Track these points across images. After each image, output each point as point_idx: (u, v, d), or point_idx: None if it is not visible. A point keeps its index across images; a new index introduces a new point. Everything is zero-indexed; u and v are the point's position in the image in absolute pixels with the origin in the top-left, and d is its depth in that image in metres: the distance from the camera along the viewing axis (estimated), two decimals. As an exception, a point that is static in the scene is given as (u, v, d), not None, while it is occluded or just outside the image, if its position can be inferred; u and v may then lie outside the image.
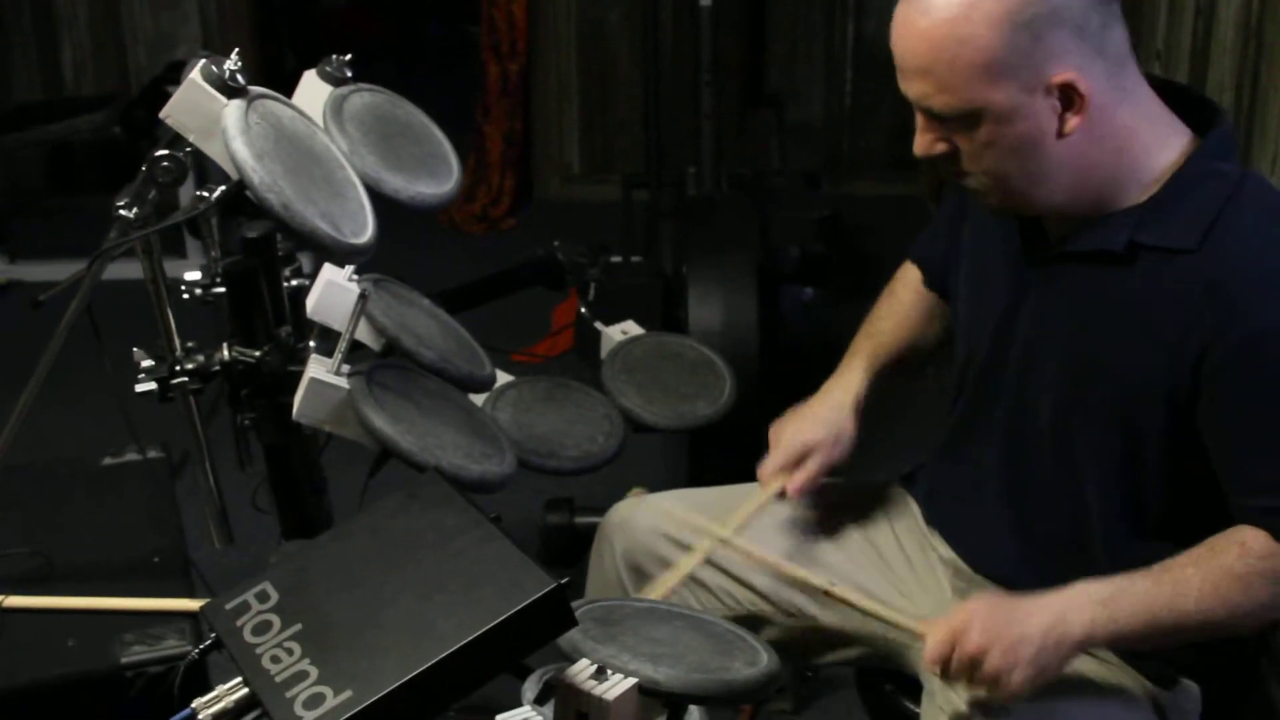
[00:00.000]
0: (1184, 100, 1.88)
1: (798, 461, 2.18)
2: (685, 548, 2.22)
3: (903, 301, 2.34)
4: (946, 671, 1.84)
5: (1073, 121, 1.74)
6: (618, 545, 2.29)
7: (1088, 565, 1.88)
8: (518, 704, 1.67)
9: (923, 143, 1.84)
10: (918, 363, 2.34)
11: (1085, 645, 1.84)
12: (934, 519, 2.21)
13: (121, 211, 2.06)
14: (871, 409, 2.21)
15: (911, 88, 1.79)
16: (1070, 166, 1.79)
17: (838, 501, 2.29)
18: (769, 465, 2.20)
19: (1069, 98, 1.73)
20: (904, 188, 6.19)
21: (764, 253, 4.31)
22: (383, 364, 2.13)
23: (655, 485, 3.81)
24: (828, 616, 2.20)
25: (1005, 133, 1.75)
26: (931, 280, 2.29)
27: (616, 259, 4.85)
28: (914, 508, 2.26)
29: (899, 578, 2.22)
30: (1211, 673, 2.00)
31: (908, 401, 2.19)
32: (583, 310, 3.76)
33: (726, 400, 2.53)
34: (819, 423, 2.20)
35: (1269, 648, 2.79)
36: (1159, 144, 1.82)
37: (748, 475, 2.22)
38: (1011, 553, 2.05)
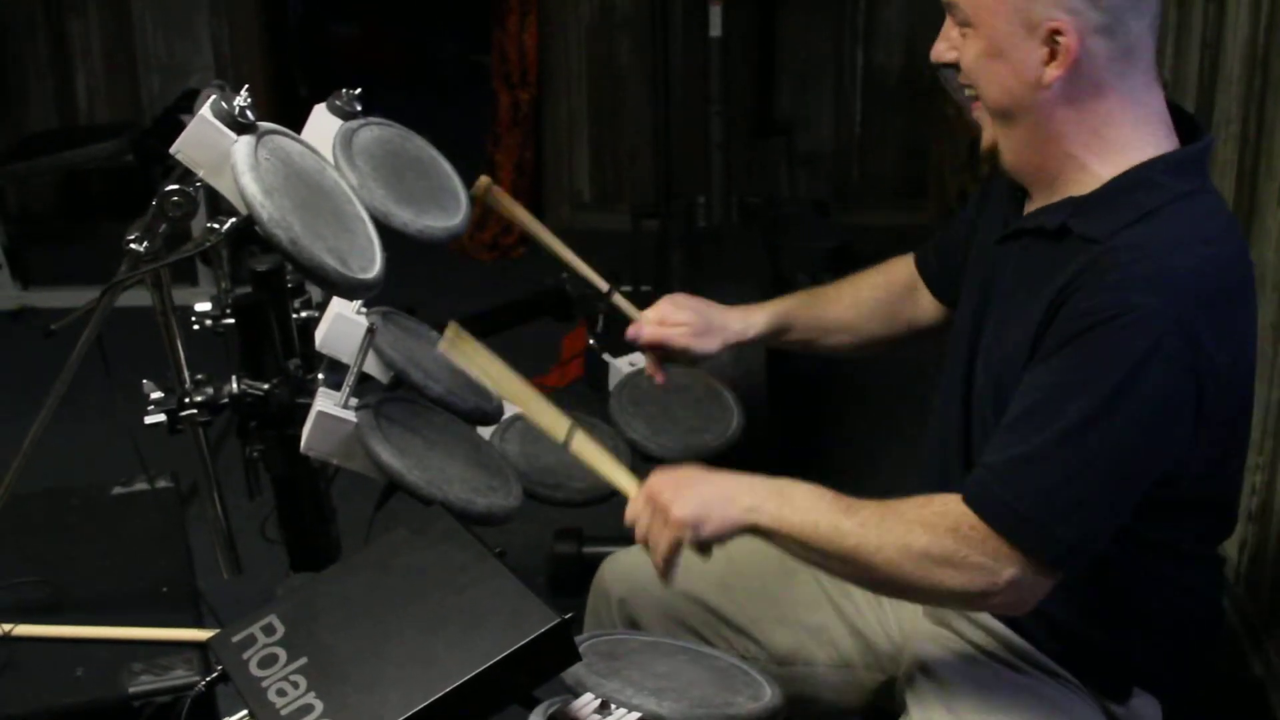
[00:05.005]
0: (1189, 126, 1.92)
1: (656, 334, 2.38)
2: (684, 596, 2.26)
3: (864, 282, 2.44)
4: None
5: (1054, 73, 1.80)
6: (614, 595, 2.32)
7: None
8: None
9: (937, 48, 1.94)
10: (849, 346, 2.45)
11: (747, 517, 1.89)
12: None
13: (132, 245, 2.07)
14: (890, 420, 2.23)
15: None
16: (1046, 125, 1.86)
17: None
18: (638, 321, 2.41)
19: (1055, 47, 1.80)
20: (913, 216, 6.21)
21: (773, 282, 4.32)
22: (390, 397, 2.14)
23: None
24: (823, 654, 2.23)
25: (995, 56, 1.84)
26: (927, 274, 2.37)
27: (626, 289, 4.86)
28: None
29: (858, 609, 2.26)
30: (1170, 684, 2.00)
31: (922, 430, 2.22)
32: (591, 342, 3.77)
33: (734, 432, 2.53)
34: (695, 312, 2.39)
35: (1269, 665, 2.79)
36: (1135, 147, 1.85)
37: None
38: None
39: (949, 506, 1.79)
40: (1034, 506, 1.74)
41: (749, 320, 2.41)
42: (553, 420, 2.09)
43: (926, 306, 2.36)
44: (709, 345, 2.38)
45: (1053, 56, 1.80)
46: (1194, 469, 1.83)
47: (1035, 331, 1.82)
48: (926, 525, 1.79)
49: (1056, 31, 1.78)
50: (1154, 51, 1.85)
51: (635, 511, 1.96)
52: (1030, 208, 1.96)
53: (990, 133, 1.94)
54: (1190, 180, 1.84)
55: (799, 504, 1.87)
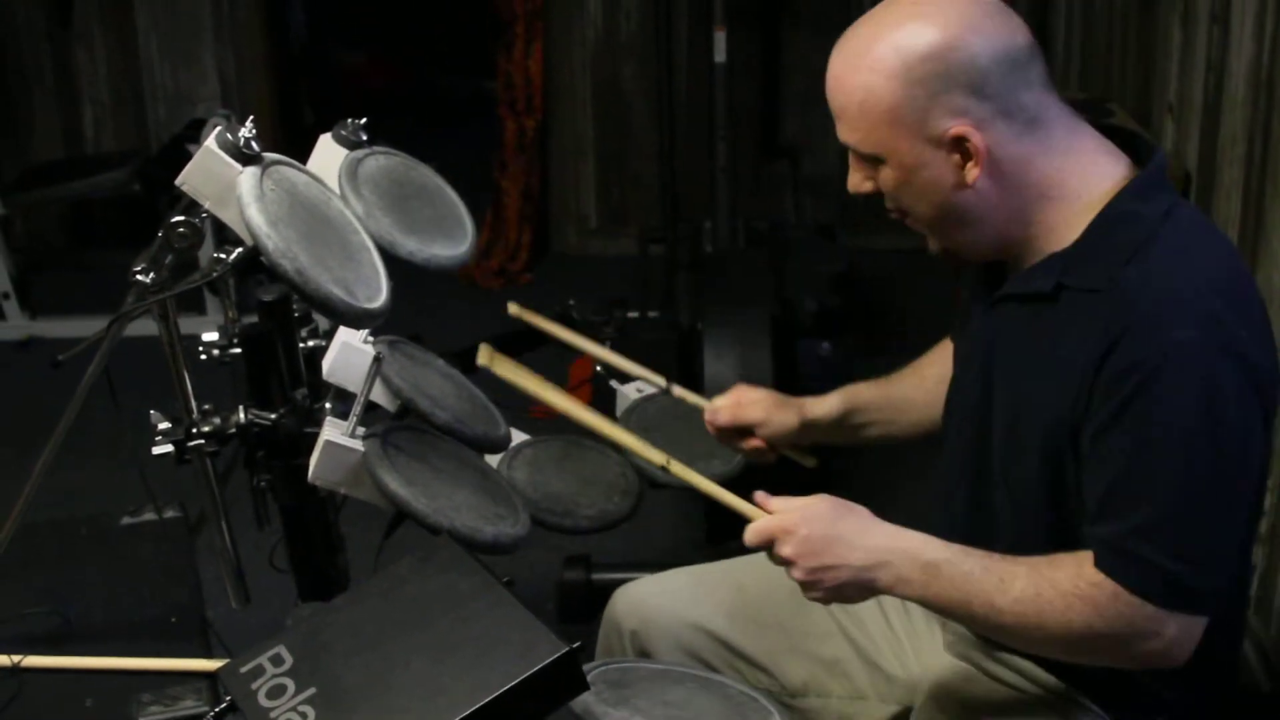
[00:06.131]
0: (1127, 139, 1.94)
1: (734, 412, 2.35)
2: (696, 628, 2.26)
3: (924, 361, 2.40)
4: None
5: (973, 173, 1.82)
6: (625, 627, 2.31)
7: None
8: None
9: (852, 180, 1.95)
10: (929, 424, 2.34)
11: (888, 594, 1.90)
12: None
13: (139, 277, 2.07)
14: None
15: (838, 126, 1.91)
16: (990, 214, 1.87)
17: None
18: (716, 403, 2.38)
19: (965, 150, 1.81)
20: (919, 240, 6.19)
21: (780, 306, 4.32)
22: (397, 426, 2.14)
23: (672, 543, 3.81)
24: (837, 687, 2.23)
25: (912, 179, 1.86)
26: None
27: (633, 314, 4.87)
28: None
29: (873, 641, 2.26)
30: (1193, 708, 2.00)
31: (927, 462, 2.22)
32: (598, 369, 3.76)
33: (742, 460, 2.53)
34: (768, 393, 2.38)
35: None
36: (1090, 186, 1.86)
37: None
38: None
39: (1101, 577, 1.79)
40: (1176, 565, 1.76)
41: (821, 402, 2.37)
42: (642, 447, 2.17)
43: None
44: (787, 417, 2.35)
45: (965, 158, 1.82)
46: None
47: (1078, 397, 1.81)
48: (1085, 599, 1.79)
49: (959, 137, 1.80)
50: (1056, 98, 1.86)
51: (757, 544, 1.94)
52: (1014, 269, 1.96)
53: (936, 240, 1.96)
54: (1161, 200, 1.85)
55: (945, 580, 1.86)
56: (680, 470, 2.10)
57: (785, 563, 1.89)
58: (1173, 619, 1.78)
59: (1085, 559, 1.81)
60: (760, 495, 1.97)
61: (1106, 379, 1.76)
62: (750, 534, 1.93)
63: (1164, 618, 1.78)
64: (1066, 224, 1.86)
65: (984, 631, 1.95)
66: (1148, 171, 1.87)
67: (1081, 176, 1.86)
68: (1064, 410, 1.82)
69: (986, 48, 1.79)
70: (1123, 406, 1.75)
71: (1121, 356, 1.75)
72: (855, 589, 1.89)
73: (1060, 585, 1.81)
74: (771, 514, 1.93)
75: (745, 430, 2.36)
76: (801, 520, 1.90)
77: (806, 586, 1.89)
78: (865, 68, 1.83)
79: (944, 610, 1.90)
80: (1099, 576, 1.79)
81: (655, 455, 2.14)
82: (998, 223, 1.88)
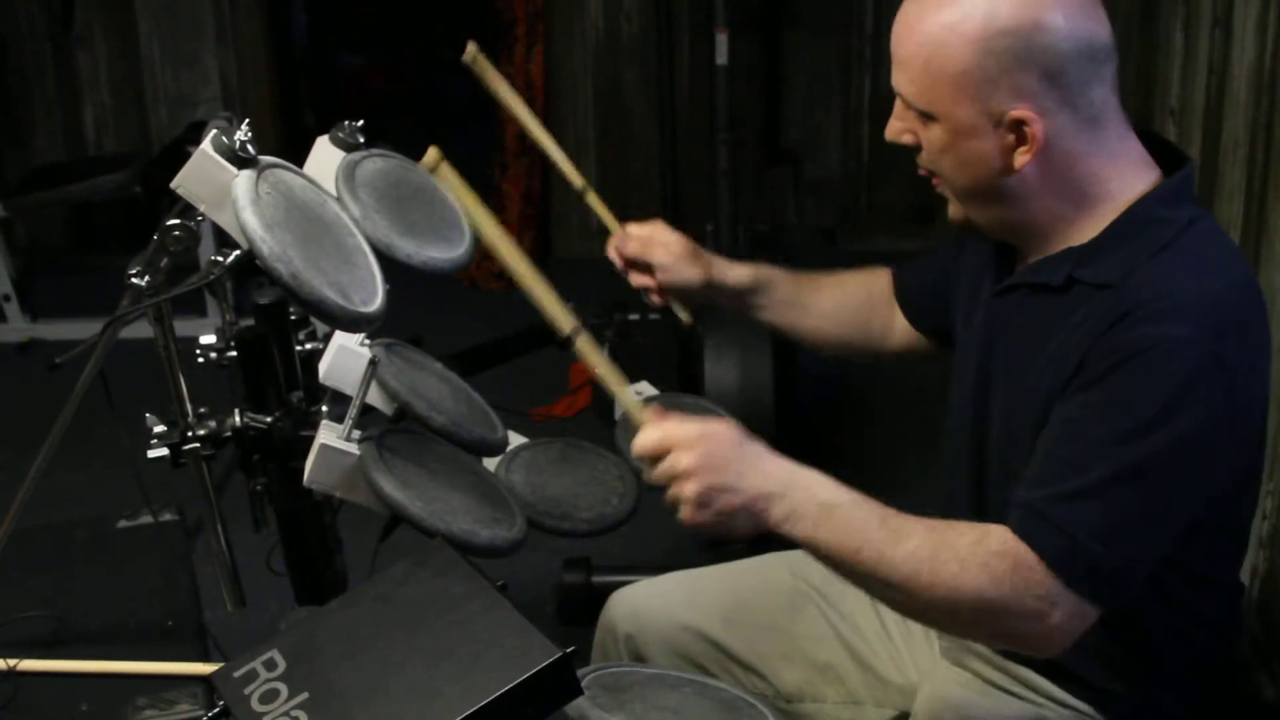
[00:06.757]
0: (1160, 147, 1.93)
1: (642, 246, 2.37)
2: (691, 632, 2.26)
3: (850, 280, 2.41)
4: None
5: (1022, 159, 1.80)
6: (620, 631, 2.31)
7: None
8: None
9: (893, 128, 1.92)
10: (824, 337, 2.40)
11: (777, 529, 1.81)
12: None
13: (134, 280, 2.07)
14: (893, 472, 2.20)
15: (895, 73, 1.87)
16: (1025, 200, 1.86)
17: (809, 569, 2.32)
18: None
19: (1022, 134, 1.79)
20: (921, 242, 6.20)
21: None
22: (393, 429, 2.14)
23: (672, 545, 3.80)
24: (832, 692, 2.22)
25: (959, 145, 1.83)
26: (904, 301, 2.35)
27: (634, 316, 4.86)
28: None
29: (869, 646, 2.25)
30: (1192, 714, 1.99)
31: (929, 463, 2.21)
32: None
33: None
34: (683, 240, 2.36)
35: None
36: (1123, 191, 1.85)
37: (761, 537, 2.22)
38: None
39: (1006, 546, 1.75)
40: (1089, 540, 1.72)
41: (734, 268, 2.36)
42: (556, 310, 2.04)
43: (902, 327, 2.35)
44: (692, 273, 2.32)
45: (1020, 142, 1.80)
46: (1220, 495, 1.83)
47: (1066, 377, 1.79)
48: (983, 566, 1.74)
49: (1020, 120, 1.77)
50: (1118, 102, 1.85)
51: (648, 453, 1.84)
52: (1024, 258, 1.95)
53: (958, 207, 1.94)
54: (1186, 208, 1.84)
55: (839, 522, 1.79)
56: (583, 342, 2.01)
57: (679, 477, 1.80)
58: (1064, 602, 1.73)
59: (991, 530, 1.77)
60: (655, 408, 1.89)
61: (1093, 356, 1.75)
62: (645, 439, 1.84)
63: (1056, 598, 1.73)
64: (1091, 222, 1.85)
65: (871, 588, 1.84)
66: (1176, 180, 1.86)
67: (1120, 181, 1.85)
68: (1055, 398, 1.81)
69: (1071, 35, 1.76)
70: (1094, 379, 1.74)
71: (1113, 337, 1.74)
72: (746, 516, 1.80)
73: (958, 550, 1.76)
74: (660, 428, 1.84)
75: (645, 266, 2.35)
76: (706, 435, 1.82)
77: (698, 505, 1.79)
78: (942, 24, 1.78)
79: (832, 556, 1.81)
80: (1003, 546, 1.74)
81: (565, 320, 2.06)
82: (1029, 210, 1.86)
